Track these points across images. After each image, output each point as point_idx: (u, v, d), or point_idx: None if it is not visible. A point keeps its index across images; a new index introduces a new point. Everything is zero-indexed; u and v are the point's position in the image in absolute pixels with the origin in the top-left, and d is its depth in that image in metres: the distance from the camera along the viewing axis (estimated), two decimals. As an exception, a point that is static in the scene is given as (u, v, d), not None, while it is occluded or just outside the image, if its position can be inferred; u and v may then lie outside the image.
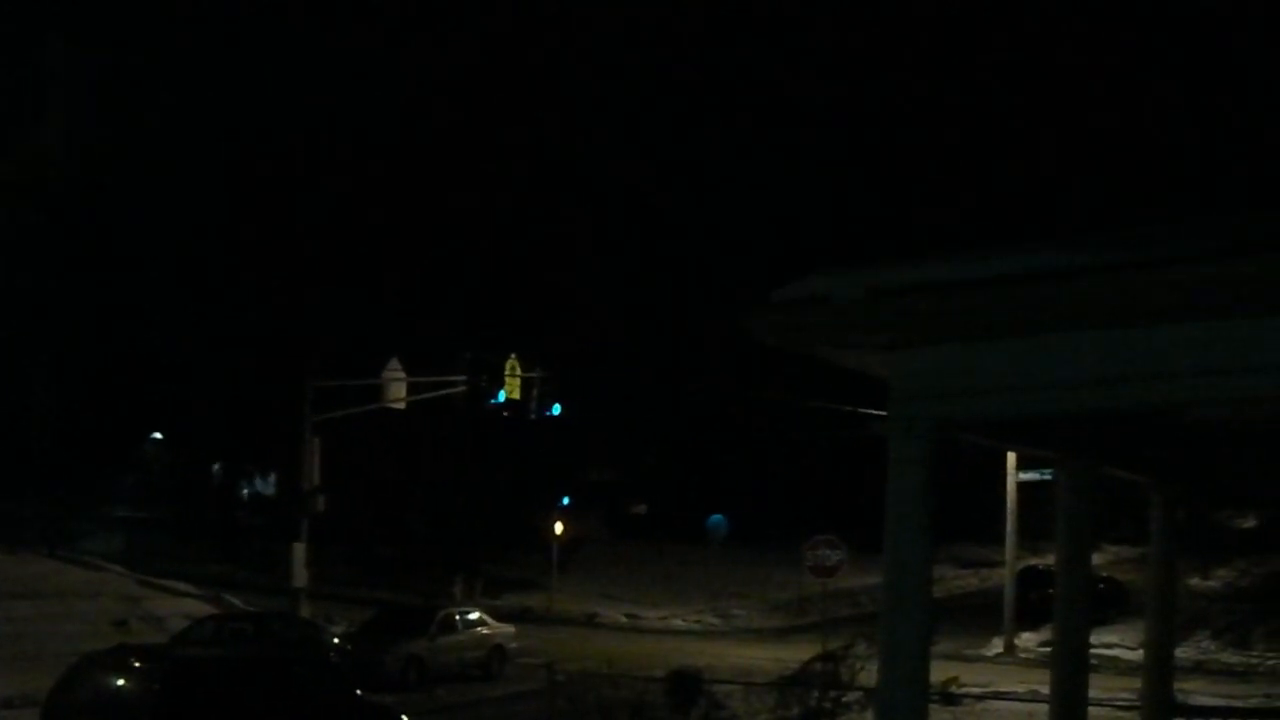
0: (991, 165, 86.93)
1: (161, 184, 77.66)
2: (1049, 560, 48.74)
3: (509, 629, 46.18)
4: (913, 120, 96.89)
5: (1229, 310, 7.39)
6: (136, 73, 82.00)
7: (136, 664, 21.73)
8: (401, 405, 50.74)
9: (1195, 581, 57.50)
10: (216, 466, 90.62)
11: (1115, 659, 46.51)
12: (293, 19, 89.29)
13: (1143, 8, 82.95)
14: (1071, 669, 12.34)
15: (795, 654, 34.05)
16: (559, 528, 67.73)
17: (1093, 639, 14.73)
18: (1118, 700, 31.11)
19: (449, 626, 42.90)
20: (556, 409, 51.32)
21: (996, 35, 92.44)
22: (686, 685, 30.54)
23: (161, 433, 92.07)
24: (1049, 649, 14.94)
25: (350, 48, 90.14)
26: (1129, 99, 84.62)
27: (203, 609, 47.72)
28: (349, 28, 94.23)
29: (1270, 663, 49.08)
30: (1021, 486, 54.93)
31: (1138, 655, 29.31)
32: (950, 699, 35.34)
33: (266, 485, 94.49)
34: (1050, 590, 13.34)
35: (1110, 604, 54.91)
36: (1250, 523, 72.13)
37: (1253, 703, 38.82)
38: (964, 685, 36.74)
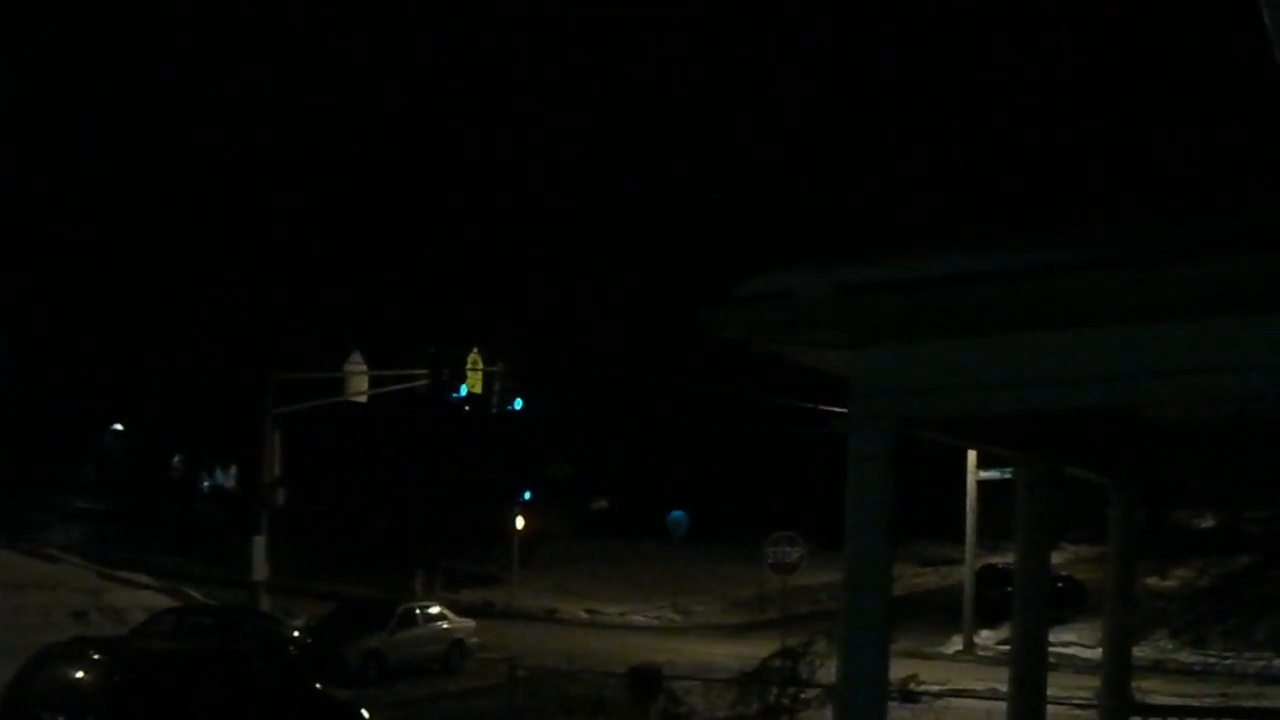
0: (968, 164, 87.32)
1: (125, 173, 77.48)
2: (1008, 558, 48.83)
3: (469, 624, 46.19)
4: (889, 119, 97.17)
5: (1185, 312, 7.44)
6: (104, 59, 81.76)
7: (95, 656, 21.66)
8: (363, 399, 50.61)
9: (1154, 581, 57.75)
10: (177, 459, 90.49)
11: (1074, 657, 46.73)
12: (266, 13, 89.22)
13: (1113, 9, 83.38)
14: (1030, 667, 12.36)
15: (755, 650, 34.11)
16: (520, 523, 67.74)
17: (1051, 637, 14.79)
18: (1076, 699, 31.27)
19: (409, 621, 42.91)
20: (518, 404, 51.15)
21: (974, 37, 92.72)
22: (646, 681, 30.59)
23: (121, 424, 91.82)
24: (1008, 647, 14.96)
25: (317, 44, 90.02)
26: (1104, 101, 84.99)
27: (162, 602, 47.54)
28: (317, 26, 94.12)
29: (1228, 662, 49.31)
30: (982, 485, 55.07)
31: (1096, 654, 29.49)
32: (909, 696, 35.43)
33: (227, 478, 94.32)
34: (1009, 588, 13.35)
35: (1069, 603, 55.15)
36: (1208, 523, 72.61)
37: (1210, 702, 39.00)
38: (923, 683, 36.81)
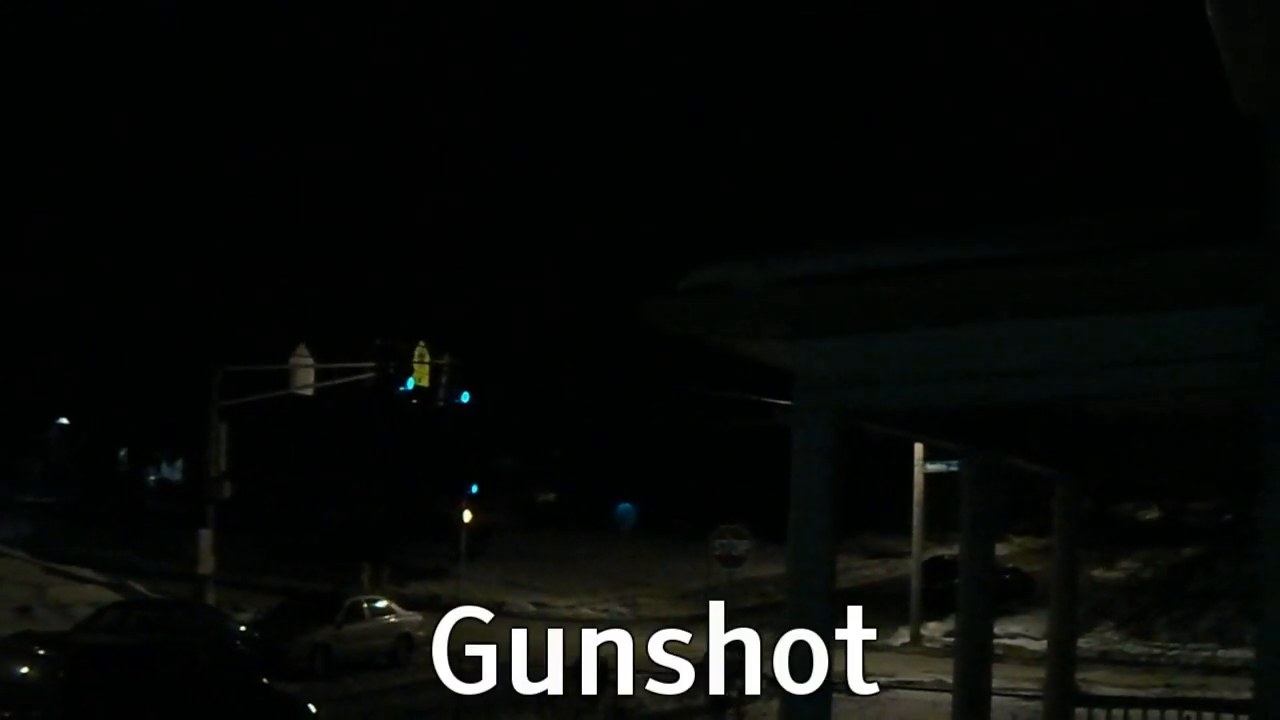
0: (915, 159, 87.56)
1: (69, 168, 77.09)
2: (956, 551, 49.08)
3: (416, 617, 46.07)
4: (837, 112, 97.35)
5: (1126, 306, 7.46)
6: (45, 54, 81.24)
7: (41, 651, 21.54)
8: (309, 392, 50.32)
9: (1099, 572, 58.09)
10: (122, 452, 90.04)
11: (1020, 649, 46.94)
12: (212, 6, 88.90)
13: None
14: (975, 659, 12.41)
15: (701, 643, 34.14)
16: (467, 516, 67.63)
17: (998, 629, 14.85)
18: (1021, 690, 31.45)
19: (356, 614, 42.74)
20: (465, 397, 50.93)
21: (927, 31, 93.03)
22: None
23: (67, 418, 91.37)
24: (954, 639, 15.02)
25: (264, 39, 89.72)
26: (1054, 98, 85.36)
27: (108, 596, 47.28)
28: (267, 20, 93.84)
29: (1172, 653, 49.59)
30: (929, 477, 55.16)
31: (1042, 645, 29.61)
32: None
33: (173, 471, 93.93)
34: (956, 581, 13.38)
35: (1015, 595, 55.44)
36: (1153, 514, 73.00)
37: (1155, 693, 39.19)
38: (870, 675, 36.99)
